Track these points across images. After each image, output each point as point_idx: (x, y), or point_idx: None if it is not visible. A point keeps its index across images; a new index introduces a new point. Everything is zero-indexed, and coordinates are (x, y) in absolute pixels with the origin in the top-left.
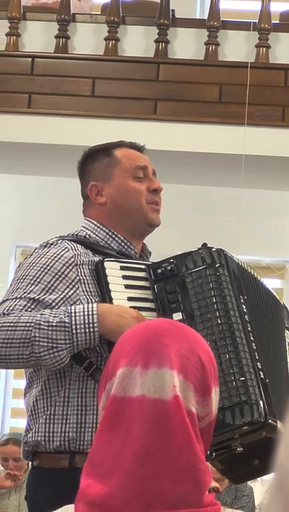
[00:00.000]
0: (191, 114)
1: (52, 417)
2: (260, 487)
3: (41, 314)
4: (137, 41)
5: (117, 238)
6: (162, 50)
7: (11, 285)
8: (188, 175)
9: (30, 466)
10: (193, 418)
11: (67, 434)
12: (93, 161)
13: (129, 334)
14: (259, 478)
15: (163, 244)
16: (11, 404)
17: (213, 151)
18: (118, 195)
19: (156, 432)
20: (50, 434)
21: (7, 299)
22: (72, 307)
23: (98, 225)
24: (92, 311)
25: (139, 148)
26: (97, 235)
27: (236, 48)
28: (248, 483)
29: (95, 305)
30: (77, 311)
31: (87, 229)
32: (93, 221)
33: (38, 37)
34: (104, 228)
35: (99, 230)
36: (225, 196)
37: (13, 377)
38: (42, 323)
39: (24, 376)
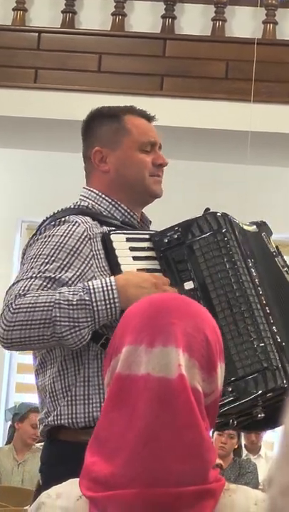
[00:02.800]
0: (197, 90)
1: (74, 398)
2: (264, 464)
3: (60, 293)
4: (144, 17)
5: (120, 208)
6: (169, 26)
7: (23, 264)
8: (193, 151)
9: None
10: (199, 396)
11: (91, 414)
12: (101, 124)
13: (134, 309)
14: (263, 454)
15: (167, 221)
16: (16, 379)
17: (220, 127)
18: (122, 165)
19: (161, 410)
20: (74, 416)
21: (21, 279)
22: (90, 283)
23: (100, 194)
24: (112, 285)
25: (148, 118)
26: (99, 205)
27: (243, 24)
28: (252, 459)
29: (112, 279)
30: (95, 286)
31: (88, 198)
32: (94, 190)
33: (44, 12)
34: (106, 198)
35: (101, 199)
36: (231, 173)
37: (18, 353)
38: (62, 302)
39: (30, 353)
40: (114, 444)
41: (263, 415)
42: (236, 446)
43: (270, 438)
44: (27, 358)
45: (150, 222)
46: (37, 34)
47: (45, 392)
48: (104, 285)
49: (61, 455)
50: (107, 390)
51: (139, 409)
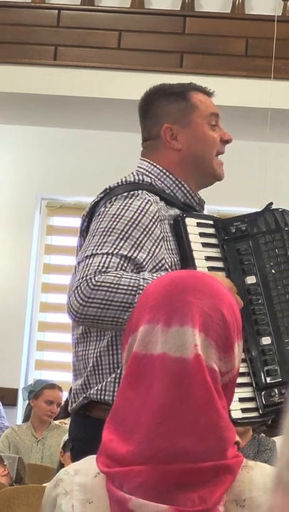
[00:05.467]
0: (217, 67)
1: (121, 377)
2: None
3: (143, 279)
4: None
5: (183, 188)
6: (189, 3)
7: (93, 236)
8: None
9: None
10: (215, 375)
11: None
12: (168, 102)
13: (152, 288)
14: None
15: None
16: (35, 356)
17: (239, 104)
18: (194, 142)
19: (177, 390)
20: None
21: (96, 253)
22: None
23: (164, 171)
24: None
25: (209, 93)
26: (162, 182)
27: (263, 1)
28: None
29: None
30: None
31: (150, 173)
32: (158, 166)
33: None
34: (170, 176)
35: (165, 176)
36: (250, 150)
37: (38, 330)
38: None
39: (48, 330)
40: (131, 423)
41: None
42: None
43: None
44: (46, 335)
45: (204, 202)
46: (57, 11)
47: (87, 363)
48: None
49: (98, 432)
50: (124, 368)
51: (155, 389)
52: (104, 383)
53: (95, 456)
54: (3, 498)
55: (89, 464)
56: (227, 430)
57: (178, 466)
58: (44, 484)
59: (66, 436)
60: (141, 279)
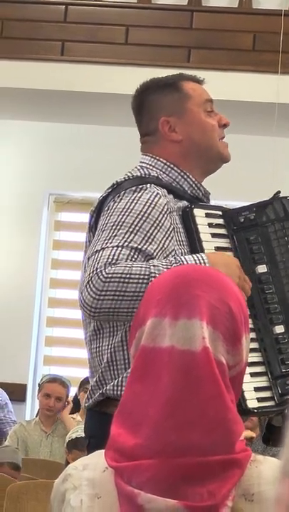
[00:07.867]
0: (224, 62)
1: None
2: None
3: (153, 266)
4: None
5: (188, 179)
6: None
7: (103, 231)
8: None
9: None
10: (223, 368)
11: None
12: (161, 95)
13: (159, 282)
14: None
15: None
16: (44, 351)
17: (247, 99)
18: (193, 131)
19: (185, 383)
20: None
21: (106, 247)
22: (183, 257)
23: (168, 164)
24: (204, 261)
25: (199, 81)
26: (167, 175)
27: None
28: None
29: (204, 255)
30: (188, 261)
31: (154, 167)
32: (161, 159)
33: None
34: (175, 168)
35: (169, 169)
36: (258, 145)
37: (46, 326)
38: (157, 275)
39: (56, 325)
40: (138, 416)
41: None
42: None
43: None
44: (55, 330)
45: (209, 193)
46: (64, 7)
47: (101, 359)
48: (196, 260)
49: None
50: (132, 362)
51: (163, 382)
52: (120, 379)
53: (103, 450)
54: (12, 494)
55: (97, 458)
56: (235, 423)
57: (186, 459)
58: (54, 480)
59: (69, 437)
60: (151, 267)
